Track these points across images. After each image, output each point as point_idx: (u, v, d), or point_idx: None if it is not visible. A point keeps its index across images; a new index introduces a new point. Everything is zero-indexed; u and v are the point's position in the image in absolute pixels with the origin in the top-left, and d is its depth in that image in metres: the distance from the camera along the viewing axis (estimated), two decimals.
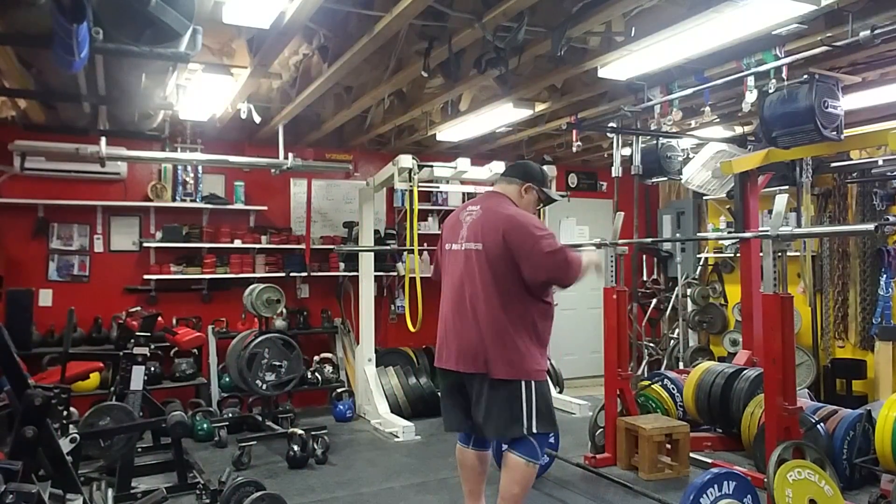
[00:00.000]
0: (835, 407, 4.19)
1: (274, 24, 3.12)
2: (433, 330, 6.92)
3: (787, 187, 5.46)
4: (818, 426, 3.88)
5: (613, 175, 5.23)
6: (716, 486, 3.00)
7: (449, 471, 4.32)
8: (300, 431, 4.53)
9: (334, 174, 6.53)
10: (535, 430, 2.80)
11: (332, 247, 6.29)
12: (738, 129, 5.71)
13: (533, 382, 2.82)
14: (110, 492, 3.53)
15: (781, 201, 3.31)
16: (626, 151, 5.37)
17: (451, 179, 5.59)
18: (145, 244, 5.68)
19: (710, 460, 4.32)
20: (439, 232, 6.76)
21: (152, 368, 5.21)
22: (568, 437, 5.08)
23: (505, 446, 2.92)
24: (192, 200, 5.87)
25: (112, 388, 4.06)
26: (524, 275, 2.83)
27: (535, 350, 2.86)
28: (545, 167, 3.22)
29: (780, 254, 3.40)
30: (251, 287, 4.87)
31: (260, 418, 4.96)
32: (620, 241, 4.52)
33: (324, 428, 4.70)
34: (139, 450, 4.19)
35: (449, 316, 2.99)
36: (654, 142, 5.21)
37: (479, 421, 2.89)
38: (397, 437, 5.11)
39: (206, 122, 5.31)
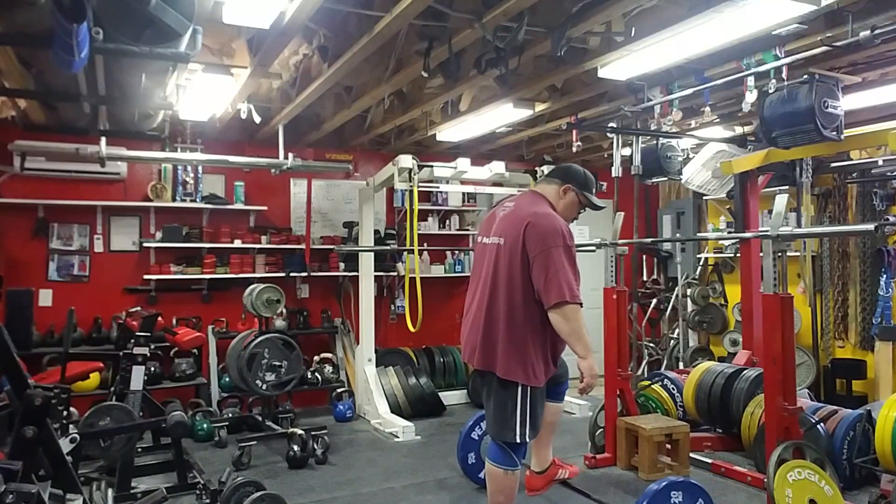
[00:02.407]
0: (835, 407, 4.19)
1: (274, 24, 3.12)
2: (433, 330, 6.95)
3: (787, 187, 5.45)
4: (818, 426, 3.89)
5: (613, 175, 5.22)
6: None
7: (449, 471, 4.32)
8: (300, 431, 4.53)
9: (334, 174, 6.53)
10: (527, 439, 2.81)
11: (332, 247, 6.29)
12: (738, 129, 5.71)
13: (529, 388, 2.80)
14: (110, 492, 3.53)
15: (781, 201, 3.31)
16: (626, 151, 5.37)
17: (451, 179, 5.59)
18: (145, 244, 5.68)
19: (710, 460, 4.32)
20: (439, 232, 6.85)
21: (152, 368, 5.21)
22: (568, 437, 5.09)
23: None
24: (192, 200, 5.87)
25: (112, 388, 4.05)
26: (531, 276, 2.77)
27: (541, 354, 2.81)
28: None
29: (780, 254, 3.40)
30: (251, 287, 4.87)
31: (260, 418, 4.96)
32: (620, 241, 4.53)
33: (324, 428, 4.70)
34: (139, 450, 4.19)
35: (470, 310, 2.99)
36: (654, 142, 5.21)
37: (486, 415, 2.94)
38: (397, 437, 5.11)
39: (206, 122, 5.31)
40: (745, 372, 4.65)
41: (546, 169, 5.53)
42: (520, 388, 2.78)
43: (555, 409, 3.31)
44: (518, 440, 2.80)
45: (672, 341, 7.02)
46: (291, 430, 4.59)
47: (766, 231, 3.41)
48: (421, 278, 4.95)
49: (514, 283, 2.78)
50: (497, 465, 2.86)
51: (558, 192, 3.03)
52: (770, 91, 3.83)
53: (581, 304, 2.73)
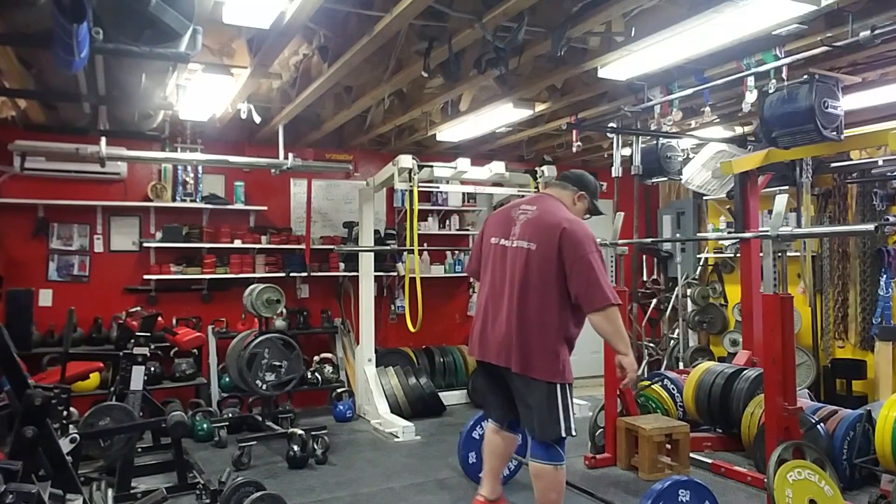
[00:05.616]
0: (835, 407, 4.19)
1: (274, 24, 3.13)
2: (433, 330, 6.93)
3: (787, 187, 5.45)
4: (818, 426, 3.88)
5: (613, 175, 5.22)
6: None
7: (449, 471, 4.32)
8: (300, 431, 4.53)
9: (334, 174, 6.53)
10: (573, 433, 2.91)
11: (332, 247, 6.28)
12: (738, 129, 5.71)
13: (567, 386, 2.93)
14: (110, 492, 3.53)
15: (781, 201, 3.31)
16: (626, 151, 5.37)
17: (451, 179, 5.59)
18: (145, 244, 5.68)
19: (710, 460, 4.32)
20: (439, 232, 6.83)
21: (152, 368, 5.21)
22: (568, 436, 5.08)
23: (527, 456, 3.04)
24: (192, 200, 5.87)
25: (112, 388, 4.06)
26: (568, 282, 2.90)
27: (567, 354, 2.96)
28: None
29: (780, 254, 3.40)
30: (251, 287, 4.87)
31: (260, 418, 4.96)
32: (620, 241, 4.53)
33: (324, 428, 4.70)
34: (139, 450, 4.18)
35: (490, 309, 3.05)
36: (654, 142, 5.21)
37: (523, 418, 3.01)
38: (397, 437, 5.11)
39: (206, 122, 5.31)
40: (745, 372, 4.65)
41: (546, 169, 5.53)
42: (559, 387, 2.89)
43: (510, 440, 3.28)
44: (564, 434, 2.89)
45: (672, 341, 7.02)
46: (291, 430, 4.58)
47: (766, 231, 3.41)
48: (421, 278, 4.94)
49: (549, 288, 2.89)
50: (545, 462, 2.91)
51: (573, 198, 3.19)
52: (770, 91, 3.83)
53: (620, 305, 2.89)
